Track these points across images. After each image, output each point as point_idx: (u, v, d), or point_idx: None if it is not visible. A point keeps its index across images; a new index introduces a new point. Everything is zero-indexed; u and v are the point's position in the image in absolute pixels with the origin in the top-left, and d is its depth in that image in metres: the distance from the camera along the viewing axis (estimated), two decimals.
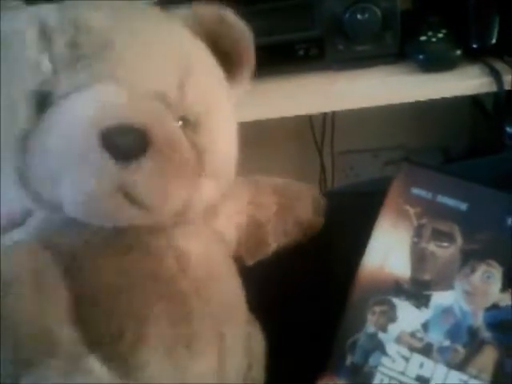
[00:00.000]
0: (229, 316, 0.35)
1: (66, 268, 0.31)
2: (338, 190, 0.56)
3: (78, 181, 0.27)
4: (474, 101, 0.90)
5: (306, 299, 0.46)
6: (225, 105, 0.35)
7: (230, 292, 0.37)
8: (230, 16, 0.36)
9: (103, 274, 0.31)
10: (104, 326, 0.30)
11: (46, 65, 0.29)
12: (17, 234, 0.33)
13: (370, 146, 1.07)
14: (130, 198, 0.28)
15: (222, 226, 0.40)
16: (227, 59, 0.36)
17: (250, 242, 0.41)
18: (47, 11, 0.31)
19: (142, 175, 0.27)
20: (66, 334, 0.28)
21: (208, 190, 0.33)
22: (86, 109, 0.28)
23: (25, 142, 0.29)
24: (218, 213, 0.39)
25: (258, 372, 0.39)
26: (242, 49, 0.36)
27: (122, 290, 0.31)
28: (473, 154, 0.94)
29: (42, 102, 0.29)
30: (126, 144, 0.27)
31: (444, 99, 0.68)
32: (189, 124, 0.31)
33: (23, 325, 0.27)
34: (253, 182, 0.44)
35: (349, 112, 0.69)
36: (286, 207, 0.43)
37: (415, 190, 0.41)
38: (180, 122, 0.31)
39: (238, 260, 0.40)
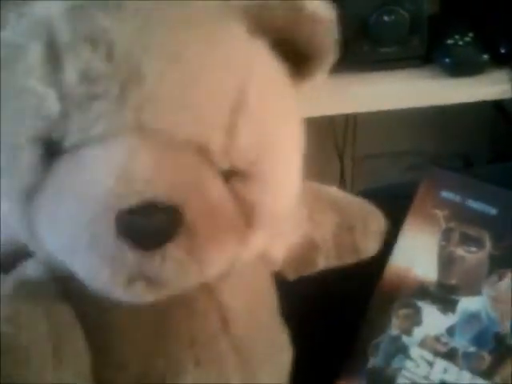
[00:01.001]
0: (266, 364, 0.32)
1: (88, 321, 0.27)
2: (360, 192, 0.55)
3: (89, 267, 0.23)
4: (496, 106, 0.89)
5: (328, 302, 0.45)
6: (289, 135, 0.27)
7: (271, 336, 0.34)
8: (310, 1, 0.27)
9: (134, 337, 0.28)
10: None
11: (54, 105, 0.22)
12: (29, 268, 0.28)
13: (390, 151, 1.07)
14: (155, 283, 0.23)
15: (276, 249, 0.35)
16: (299, 51, 0.27)
17: (299, 261, 0.37)
18: (57, 15, 0.23)
19: (169, 262, 0.22)
20: None
21: (258, 241, 0.27)
22: (100, 177, 0.22)
23: (30, 195, 0.24)
24: (274, 239, 0.33)
25: None
26: (322, 40, 0.27)
27: (154, 355, 0.28)
28: (494, 160, 0.93)
29: (49, 149, 0.23)
30: (148, 229, 0.22)
31: (466, 105, 0.68)
32: (236, 173, 0.24)
33: None
34: (312, 193, 0.38)
35: (370, 116, 0.69)
36: (346, 230, 0.38)
37: (444, 193, 0.40)
38: (226, 168, 0.24)
39: (278, 274, 0.37)
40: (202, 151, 0.23)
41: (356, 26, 0.68)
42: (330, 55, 0.28)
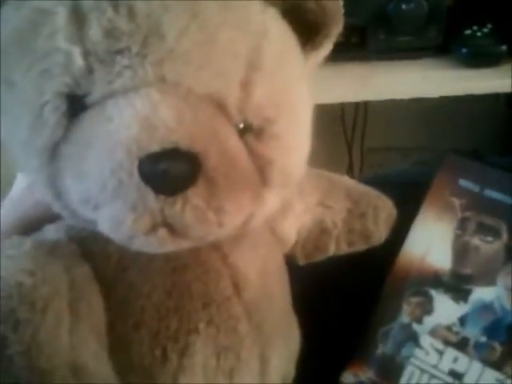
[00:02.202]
0: (277, 337, 0.33)
1: (106, 281, 0.28)
2: (367, 179, 0.55)
3: (113, 215, 0.24)
4: (508, 101, 0.88)
5: (338, 290, 0.45)
6: (300, 96, 0.28)
7: (282, 310, 0.34)
8: None
9: (150, 294, 0.28)
10: (147, 348, 0.28)
11: (79, 61, 0.23)
12: (49, 231, 0.30)
13: (399, 145, 1.06)
14: (175, 231, 0.24)
15: (288, 227, 0.36)
16: (307, 22, 0.28)
17: (309, 245, 0.37)
18: None
19: (189, 208, 0.23)
20: (103, 370, 0.26)
21: (272, 201, 0.28)
22: (124, 126, 0.23)
23: (53, 151, 0.25)
24: (287, 214, 0.35)
25: (291, 372, 0.36)
26: (328, 10, 0.28)
27: (170, 312, 0.28)
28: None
29: (73, 105, 0.24)
30: (170, 174, 0.22)
31: (477, 101, 0.67)
32: (251, 130, 0.25)
33: (55, 358, 0.24)
34: (326, 179, 0.39)
35: (381, 109, 0.68)
36: (357, 216, 0.39)
37: (462, 182, 0.40)
38: (241, 125, 0.25)
39: (290, 258, 0.37)
40: (220, 106, 0.24)
41: (373, 14, 0.67)
42: (337, 26, 0.29)
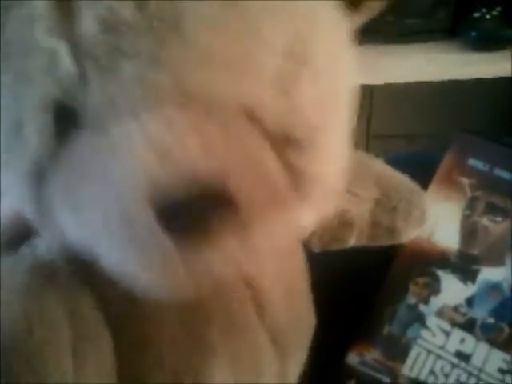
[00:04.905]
0: (299, 351, 0.31)
1: (115, 313, 0.24)
2: None
3: (124, 261, 0.19)
4: None
5: (343, 271, 0.44)
6: (347, 89, 0.22)
7: (306, 323, 0.31)
8: None
9: (164, 326, 0.24)
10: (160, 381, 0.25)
11: (67, 62, 0.17)
12: (40, 248, 0.24)
13: (405, 132, 1.05)
14: (200, 276, 0.20)
15: (306, 215, 0.32)
16: None
17: (329, 236, 0.34)
18: None
19: (218, 253, 0.19)
20: None
21: (307, 217, 0.23)
22: (136, 158, 0.18)
23: (41, 172, 0.20)
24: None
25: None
26: None
27: (187, 347, 0.25)
28: None
29: (63, 119, 0.18)
30: (197, 217, 0.18)
31: (486, 88, 0.66)
32: (292, 142, 0.20)
33: None
34: (354, 162, 0.35)
35: (386, 95, 0.68)
36: (387, 211, 0.35)
37: (472, 161, 0.39)
38: (279, 136, 0.20)
39: (305, 246, 0.34)
40: (255, 117, 0.19)
41: None
42: None
